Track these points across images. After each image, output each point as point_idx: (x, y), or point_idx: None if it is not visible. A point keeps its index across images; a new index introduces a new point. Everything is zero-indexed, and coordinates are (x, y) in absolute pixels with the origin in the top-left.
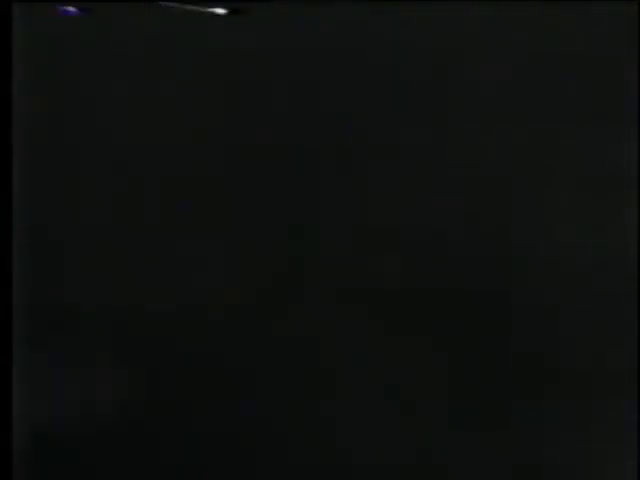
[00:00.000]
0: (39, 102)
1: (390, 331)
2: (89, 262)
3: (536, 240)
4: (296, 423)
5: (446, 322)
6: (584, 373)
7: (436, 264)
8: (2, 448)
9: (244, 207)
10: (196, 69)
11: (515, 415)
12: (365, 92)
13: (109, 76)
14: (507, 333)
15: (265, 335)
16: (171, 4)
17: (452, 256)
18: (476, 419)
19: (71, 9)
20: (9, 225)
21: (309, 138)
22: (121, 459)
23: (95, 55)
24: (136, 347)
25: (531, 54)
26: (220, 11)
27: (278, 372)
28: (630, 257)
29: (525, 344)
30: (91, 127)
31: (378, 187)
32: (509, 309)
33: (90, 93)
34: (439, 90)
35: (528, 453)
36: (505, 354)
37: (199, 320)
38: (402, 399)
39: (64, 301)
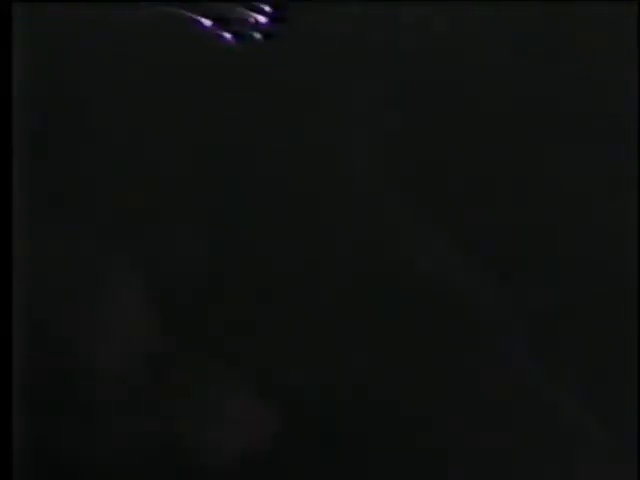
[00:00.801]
0: (39, 102)
1: None
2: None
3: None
4: None
5: None
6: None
7: None
8: None
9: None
10: (196, 69)
11: None
12: (364, 92)
13: (109, 76)
14: None
15: None
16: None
17: None
18: None
19: (207, 22)
20: (9, 225)
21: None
22: None
23: (95, 55)
24: None
25: (531, 54)
26: (257, 35)
27: None
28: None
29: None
30: (91, 127)
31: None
32: None
33: (90, 93)
34: (439, 91)
35: None
36: None
37: None
38: None
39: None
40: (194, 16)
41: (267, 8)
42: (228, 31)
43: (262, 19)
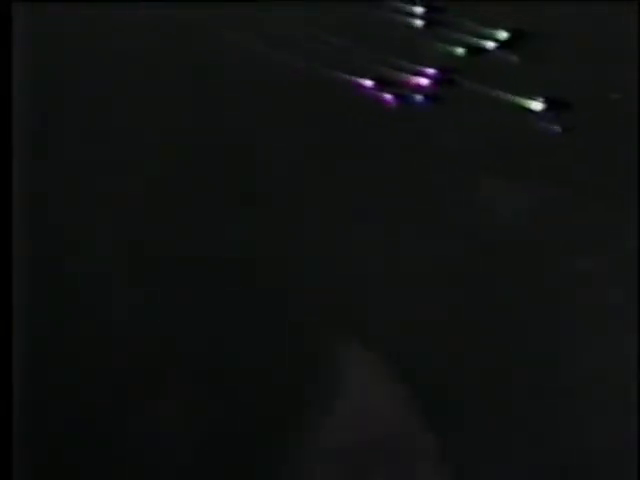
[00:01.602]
0: (39, 102)
1: None
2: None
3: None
4: None
5: None
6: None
7: None
8: None
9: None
10: (196, 69)
11: None
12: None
13: (109, 76)
14: None
15: None
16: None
17: None
18: None
19: (389, 97)
20: (9, 226)
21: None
22: None
23: (95, 55)
24: None
25: (530, 54)
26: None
27: None
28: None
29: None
30: (91, 127)
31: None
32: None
33: (90, 93)
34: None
35: None
36: None
37: None
38: None
39: None
40: (353, 77)
41: (431, 70)
42: (388, 92)
43: (424, 81)
